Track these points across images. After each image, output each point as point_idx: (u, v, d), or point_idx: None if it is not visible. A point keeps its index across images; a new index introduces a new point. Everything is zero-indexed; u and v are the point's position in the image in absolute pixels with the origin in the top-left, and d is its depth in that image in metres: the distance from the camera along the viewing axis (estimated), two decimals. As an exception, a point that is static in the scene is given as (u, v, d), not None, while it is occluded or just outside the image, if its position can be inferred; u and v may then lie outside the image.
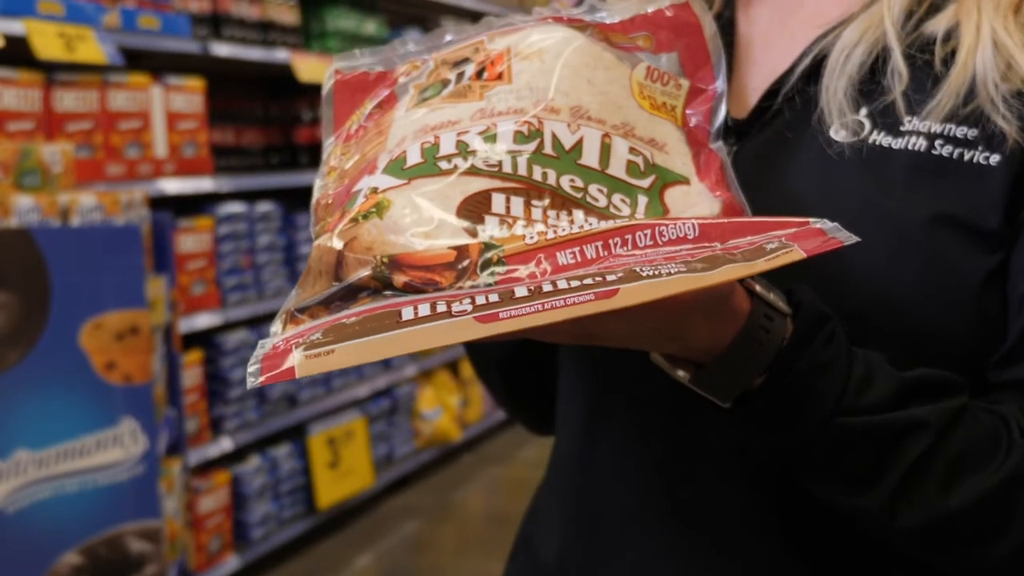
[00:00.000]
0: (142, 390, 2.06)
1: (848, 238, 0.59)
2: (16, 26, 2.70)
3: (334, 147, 0.74)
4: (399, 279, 0.57)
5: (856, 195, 0.73)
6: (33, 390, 1.93)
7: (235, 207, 3.62)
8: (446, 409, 4.81)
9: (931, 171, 0.72)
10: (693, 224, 0.59)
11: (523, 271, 0.58)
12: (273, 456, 3.76)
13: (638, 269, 0.55)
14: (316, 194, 0.70)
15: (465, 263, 0.58)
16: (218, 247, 3.50)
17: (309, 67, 3.80)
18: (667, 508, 0.79)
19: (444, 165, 0.63)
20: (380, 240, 0.60)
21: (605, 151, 0.66)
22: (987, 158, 0.71)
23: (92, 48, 2.84)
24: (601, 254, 0.58)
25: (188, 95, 3.36)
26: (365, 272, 0.58)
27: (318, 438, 3.96)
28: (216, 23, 3.55)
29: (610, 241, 0.58)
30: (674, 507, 0.79)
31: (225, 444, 3.45)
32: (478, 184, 0.62)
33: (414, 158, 0.64)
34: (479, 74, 0.70)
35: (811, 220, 0.60)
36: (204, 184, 3.39)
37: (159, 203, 2.95)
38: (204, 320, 3.38)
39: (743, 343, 0.64)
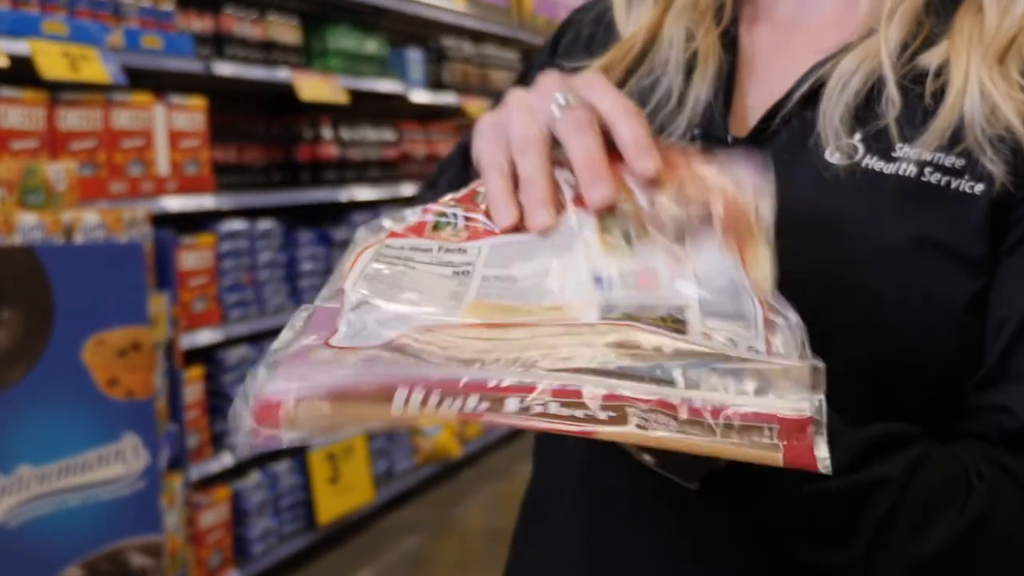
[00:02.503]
0: (144, 406, 2.08)
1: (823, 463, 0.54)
2: (21, 46, 2.73)
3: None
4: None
5: (847, 216, 0.76)
6: (36, 406, 1.95)
7: (236, 224, 3.65)
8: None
9: (919, 197, 0.74)
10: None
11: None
12: (273, 472, 3.77)
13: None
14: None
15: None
16: (219, 264, 3.52)
17: (310, 86, 3.84)
18: (670, 513, 0.81)
19: None
20: None
21: None
22: (972, 187, 0.74)
23: (96, 68, 2.87)
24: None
25: (190, 114, 3.39)
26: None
27: (318, 453, 3.97)
28: (218, 43, 3.59)
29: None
30: (677, 510, 0.81)
31: (226, 459, 3.47)
32: None
33: None
34: None
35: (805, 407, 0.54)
36: (206, 202, 3.41)
37: (161, 220, 2.96)
38: (205, 336, 3.40)
39: None
